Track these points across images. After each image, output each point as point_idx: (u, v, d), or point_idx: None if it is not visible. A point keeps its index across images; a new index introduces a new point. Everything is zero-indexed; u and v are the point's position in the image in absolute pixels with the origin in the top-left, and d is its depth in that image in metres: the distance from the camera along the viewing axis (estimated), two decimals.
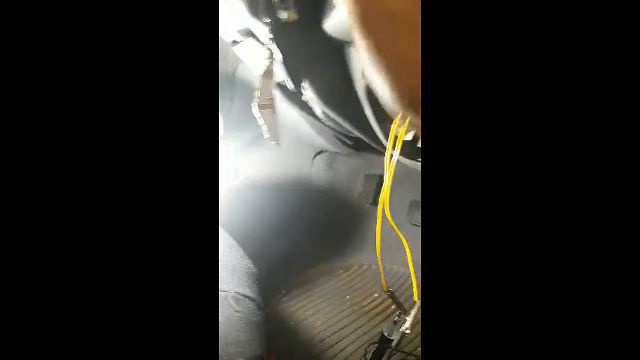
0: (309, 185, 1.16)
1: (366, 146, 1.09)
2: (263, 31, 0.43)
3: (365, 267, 0.98)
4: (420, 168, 0.63)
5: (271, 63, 0.44)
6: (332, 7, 0.37)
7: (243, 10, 0.40)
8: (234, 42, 0.51)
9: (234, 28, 0.49)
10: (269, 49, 0.43)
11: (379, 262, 0.50)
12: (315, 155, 1.14)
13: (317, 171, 1.18)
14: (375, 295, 0.85)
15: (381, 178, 1.12)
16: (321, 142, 0.90)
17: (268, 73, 0.45)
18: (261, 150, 1.17)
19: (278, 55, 0.44)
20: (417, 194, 1.01)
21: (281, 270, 0.94)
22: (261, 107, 0.44)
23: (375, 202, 1.10)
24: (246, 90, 0.88)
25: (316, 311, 0.80)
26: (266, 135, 0.47)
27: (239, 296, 0.56)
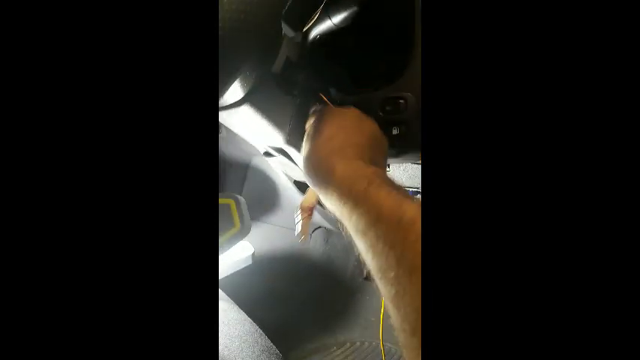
0: (302, 259, 1.22)
1: None
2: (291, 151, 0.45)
3: (358, 344, 0.99)
4: None
5: None
6: None
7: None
8: (267, 154, 0.51)
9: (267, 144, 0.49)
10: None
11: (380, 341, 0.53)
12: (314, 230, 1.23)
13: (315, 246, 1.25)
14: None
15: None
16: (318, 218, 1.00)
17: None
18: (262, 223, 1.26)
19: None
20: None
21: (278, 341, 0.95)
22: (303, 209, 0.50)
23: (368, 278, 1.14)
24: (257, 177, 0.98)
25: None
26: (297, 232, 0.52)
27: None
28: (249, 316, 0.74)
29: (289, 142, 0.41)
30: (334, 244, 1.25)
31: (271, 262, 1.20)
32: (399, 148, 0.39)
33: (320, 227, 1.21)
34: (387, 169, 0.40)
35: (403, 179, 0.56)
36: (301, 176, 0.52)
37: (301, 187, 0.76)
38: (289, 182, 0.78)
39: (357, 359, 0.92)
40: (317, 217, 0.95)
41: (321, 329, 1.04)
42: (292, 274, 1.18)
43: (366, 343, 0.97)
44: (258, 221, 1.19)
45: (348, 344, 0.98)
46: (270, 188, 0.96)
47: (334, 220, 1.00)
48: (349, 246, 1.23)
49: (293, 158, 0.46)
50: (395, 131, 0.38)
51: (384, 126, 0.36)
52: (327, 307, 1.11)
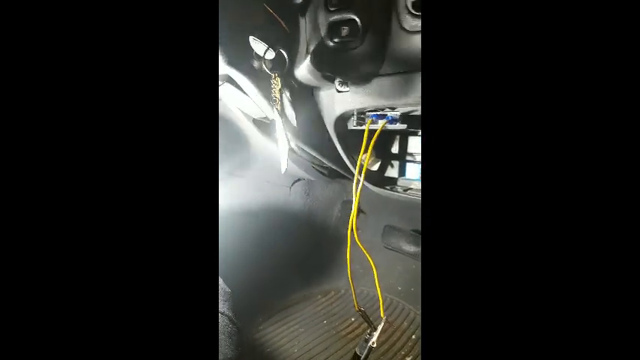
0: (287, 212, 1.19)
1: (343, 174, 1.15)
2: (238, 76, 0.48)
3: (342, 292, 1.00)
4: (390, 196, 0.68)
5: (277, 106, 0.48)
6: (301, 60, 0.43)
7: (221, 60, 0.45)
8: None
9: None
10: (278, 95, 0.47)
11: (350, 283, 0.53)
12: (293, 183, 1.18)
13: (295, 198, 1.22)
14: (352, 320, 0.87)
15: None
16: (298, 171, 0.95)
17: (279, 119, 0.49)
18: (237, 179, 1.20)
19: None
20: (390, 220, 1.07)
21: (259, 297, 0.95)
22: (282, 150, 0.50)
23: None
24: (224, 124, 0.93)
25: (293, 337, 0.81)
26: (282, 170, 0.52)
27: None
28: (230, 272, 0.72)
29: None
30: (315, 197, 1.22)
31: (251, 216, 1.16)
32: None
33: (300, 179, 1.17)
34: None
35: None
36: (259, 112, 0.46)
37: (261, 125, 0.69)
38: (254, 128, 0.70)
39: (342, 306, 0.94)
40: (295, 169, 0.90)
41: (306, 280, 1.05)
42: (273, 228, 1.16)
43: (350, 290, 0.99)
44: (232, 175, 1.13)
45: (333, 292, 1.00)
46: (242, 140, 0.89)
47: (313, 170, 0.94)
48: (332, 197, 1.21)
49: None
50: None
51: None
52: (312, 259, 1.11)
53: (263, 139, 0.74)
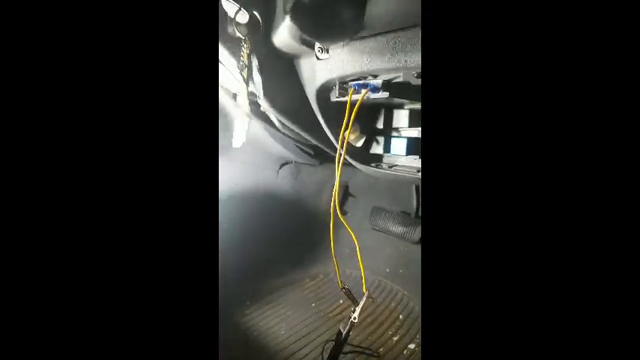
0: (275, 196, 1.17)
1: (331, 158, 1.14)
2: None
3: (331, 275, 0.99)
4: (375, 174, 0.67)
5: (244, 73, 0.45)
6: (279, 22, 0.41)
7: None
8: None
9: None
10: (246, 59, 0.44)
11: (333, 259, 0.52)
12: (281, 166, 1.16)
13: (282, 182, 1.20)
14: (341, 302, 0.87)
15: (347, 187, 1.15)
16: (285, 153, 0.93)
17: (244, 86, 0.46)
18: (225, 162, 1.17)
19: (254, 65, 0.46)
20: (377, 201, 1.06)
21: (246, 281, 0.94)
22: (237, 116, 0.46)
23: (343, 212, 1.13)
24: None
25: (281, 320, 0.80)
26: (236, 145, 0.48)
27: None
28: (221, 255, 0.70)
29: None
30: (304, 181, 1.20)
31: (237, 200, 1.14)
32: None
33: (288, 162, 1.15)
34: None
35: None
36: (239, 88, 0.44)
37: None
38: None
39: (330, 289, 0.94)
40: (279, 148, 0.87)
41: (295, 265, 1.04)
42: (262, 212, 1.14)
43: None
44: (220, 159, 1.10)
45: (321, 276, 0.99)
46: (223, 118, 0.86)
47: (298, 150, 0.91)
48: (321, 181, 1.19)
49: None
50: None
51: None
52: (301, 244, 1.10)
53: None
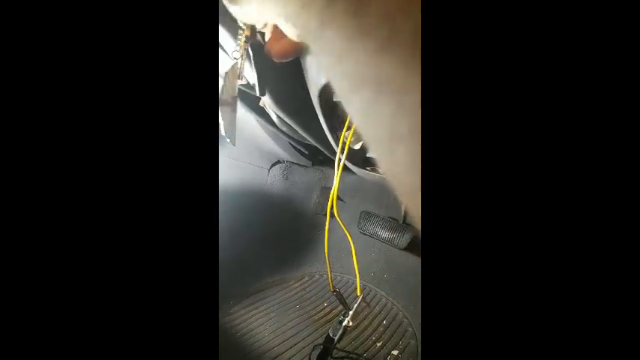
0: (264, 195, 1.16)
1: (323, 160, 1.13)
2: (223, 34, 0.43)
3: (317, 277, 0.99)
4: (368, 177, 0.67)
5: (239, 63, 0.44)
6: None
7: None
8: None
9: None
10: (242, 49, 0.42)
11: (327, 263, 0.51)
12: (272, 165, 1.15)
13: (273, 181, 1.18)
14: (325, 304, 0.86)
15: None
16: (277, 150, 0.92)
17: (234, 72, 0.45)
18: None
19: (250, 58, 0.44)
20: (366, 205, 1.06)
21: (230, 281, 0.91)
22: (222, 103, 0.44)
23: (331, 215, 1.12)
24: None
25: (265, 321, 0.79)
26: (222, 132, 0.47)
27: None
28: None
29: None
30: (294, 181, 1.19)
31: (228, 198, 1.12)
32: None
33: (279, 162, 1.14)
34: None
35: None
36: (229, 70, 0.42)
37: (243, 95, 0.65)
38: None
39: (315, 291, 0.93)
40: (272, 146, 0.86)
41: (280, 265, 1.02)
42: (249, 211, 1.13)
43: (325, 275, 0.98)
44: None
45: (307, 277, 0.98)
46: None
47: (292, 150, 0.90)
48: (311, 183, 1.19)
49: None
50: None
51: None
52: (287, 244, 1.09)
53: (243, 112, 0.70)
